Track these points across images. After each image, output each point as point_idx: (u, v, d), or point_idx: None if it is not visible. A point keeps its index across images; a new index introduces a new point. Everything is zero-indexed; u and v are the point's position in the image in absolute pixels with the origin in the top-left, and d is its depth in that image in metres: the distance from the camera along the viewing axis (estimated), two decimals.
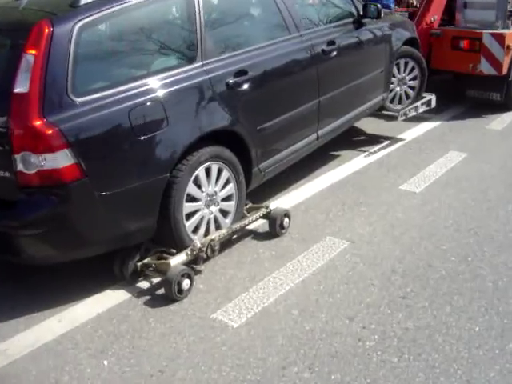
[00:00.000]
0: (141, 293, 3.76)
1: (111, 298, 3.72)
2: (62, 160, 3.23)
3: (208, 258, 3.95)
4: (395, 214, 4.67)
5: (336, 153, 6.00)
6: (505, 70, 6.91)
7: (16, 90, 3.23)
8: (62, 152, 3.22)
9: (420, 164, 5.69)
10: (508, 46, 6.78)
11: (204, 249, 3.83)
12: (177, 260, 3.74)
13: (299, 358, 3.11)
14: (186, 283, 3.63)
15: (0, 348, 3.28)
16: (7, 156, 3.26)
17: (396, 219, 4.59)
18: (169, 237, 3.83)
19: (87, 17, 3.43)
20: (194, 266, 3.85)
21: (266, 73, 4.29)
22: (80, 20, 3.39)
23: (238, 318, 3.45)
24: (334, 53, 4.93)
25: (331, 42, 4.91)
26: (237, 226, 4.13)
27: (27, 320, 3.52)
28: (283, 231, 4.36)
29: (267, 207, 4.37)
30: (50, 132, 3.19)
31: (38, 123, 3.19)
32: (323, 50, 4.80)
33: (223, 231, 4.02)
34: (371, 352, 3.14)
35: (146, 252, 3.88)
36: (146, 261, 3.79)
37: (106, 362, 3.15)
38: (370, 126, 6.73)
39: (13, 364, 3.16)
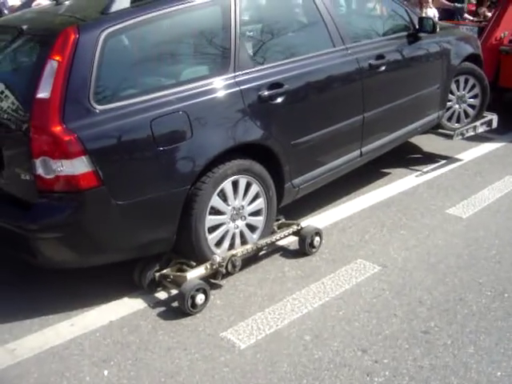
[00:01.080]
0: (157, 303, 3.73)
1: (126, 307, 3.70)
2: (79, 167, 3.23)
3: (229, 273, 3.85)
4: (435, 240, 4.44)
5: (386, 170, 5.78)
6: None
7: (38, 96, 3.26)
8: (80, 159, 3.22)
9: (473, 187, 5.40)
10: None
11: (224, 264, 3.74)
12: (195, 273, 3.68)
13: None
14: (200, 298, 3.56)
15: (9, 347, 3.33)
16: (29, 159, 3.28)
17: (435, 245, 4.36)
18: (189, 249, 3.78)
19: (115, 24, 3.42)
20: (213, 281, 3.77)
21: (303, 86, 4.16)
22: (107, 28, 3.38)
23: (247, 339, 3.35)
24: (383, 67, 4.74)
25: (380, 56, 4.72)
26: (263, 242, 4.03)
27: (42, 321, 3.55)
28: (313, 250, 4.22)
29: (298, 224, 4.25)
30: (68, 138, 3.20)
31: (57, 129, 3.20)
32: (370, 65, 4.62)
33: (248, 247, 3.93)
34: None
35: (167, 262, 3.84)
36: (164, 271, 3.76)
37: (106, 372, 3.13)
38: (427, 143, 6.47)
39: (17, 364, 3.19)
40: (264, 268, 4.10)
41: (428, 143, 6.47)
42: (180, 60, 3.75)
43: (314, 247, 4.22)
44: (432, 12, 8.26)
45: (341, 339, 3.34)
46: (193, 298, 3.54)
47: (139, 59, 3.60)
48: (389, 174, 5.75)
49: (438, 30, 5.15)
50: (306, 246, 4.17)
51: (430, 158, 6.18)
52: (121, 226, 3.47)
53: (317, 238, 4.22)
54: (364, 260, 4.16)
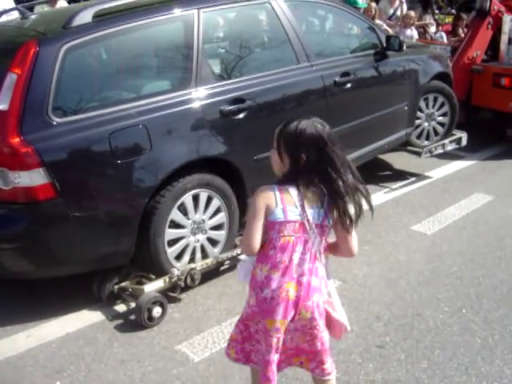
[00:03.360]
0: (115, 316, 3.73)
1: (84, 319, 3.70)
2: (36, 178, 3.24)
3: (189, 287, 3.86)
4: (398, 256, 4.47)
5: None
6: None
7: None
8: (37, 171, 3.24)
9: (440, 204, 5.44)
10: None
11: (182, 277, 3.75)
12: (152, 286, 3.69)
13: None
14: (156, 311, 3.57)
15: None
16: None
17: (397, 262, 4.39)
18: (148, 262, 3.79)
19: (76, 39, 3.46)
20: (171, 294, 3.78)
21: (265, 102, 4.20)
22: (67, 42, 3.42)
23: (202, 352, 3.35)
24: (349, 84, 4.79)
25: (346, 74, 4.77)
26: (224, 256, 4.04)
27: None
28: None
29: None
30: (26, 150, 3.21)
31: (14, 140, 3.22)
32: (335, 82, 4.67)
33: (208, 261, 3.95)
34: None
35: (126, 275, 3.84)
36: (123, 284, 3.76)
37: (58, 383, 3.11)
38: (398, 161, 6.52)
39: None
40: (225, 282, 4.10)
41: (399, 160, 6.53)
42: (141, 75, 3.78)
43: None
44: (412, 33, 8.36)
45: None
46: (149, 310, 3.54)
47: (99, 73, 3.63)
48: None
49: (404, 48, 5.20)
50: None
51: (399, 175, 6.23)
52: (78, 238, 3.48)
53: None
54: None
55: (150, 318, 3.56)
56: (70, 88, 3.44)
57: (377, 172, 6.28)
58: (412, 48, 5.99)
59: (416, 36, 8.75)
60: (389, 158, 6.50)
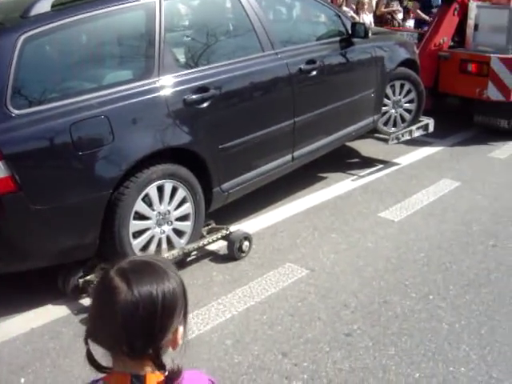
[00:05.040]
0: (80, 310, 3.67)
1: (50, 313, 3.64)
2: None
3: None
4: (366, 244, 4.47)
5: (323, 174, 5.82)
6: None
7: None
8: None
9: (408, 191, 5.46)
10: None
11: None
12: None
13: None
14: None
15: None
16: None
17: (365, 249, 4.39)
18: (113, 254, 3.71)
19: (34, 28, 3.37)
20: None
21: (230, 91, 4.17)
22: (26, 32, 3.33)
23: None
24: (314, 72, 4.76)
25: (311, 61, 4.74)
26: (190, 247, 4.00)
27: None
28: (242, 255, 4.21)
29: (227, 229, 4.23)
30: None
31: None
32: (301, 69, 4.64)
33: (174, 251, 3.91)
34: None
35: (92, 268, 3.78)
36: (88, 277, 3.70)
37: (22, 380, 3.08)
38: (366, 148, 6.53)
39: None
40: (192, 273, 4.07)
41: (367, 148, 6.54)
42: (103, 64, 3.72)
43: (242, 252, 4.21)
44: (368, 19, 8.35)
45: (262, 343, 3.33)
46: None
47: (60, 63, 3.56)
48: (326, 178, 5.78)
49: (370, 35, 5.19)
50: (234, 251, 4.16)
51: (367, 163, 6.24)
52: (40, 231, 3.43)
53: (246, 243, 4.21)
54: (293, 264, 4.16)
55: None
56: (29, 79, 3.36)
57: (345, 159, 6.29)
58: (378, 35, 5.98)
59: (373, 21, 8.68)
60: (357, 145, 6.51)
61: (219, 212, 4.51)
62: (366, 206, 5.16)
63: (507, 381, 3.03)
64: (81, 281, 3.69)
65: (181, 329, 1.30)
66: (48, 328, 3.50)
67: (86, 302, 3.74)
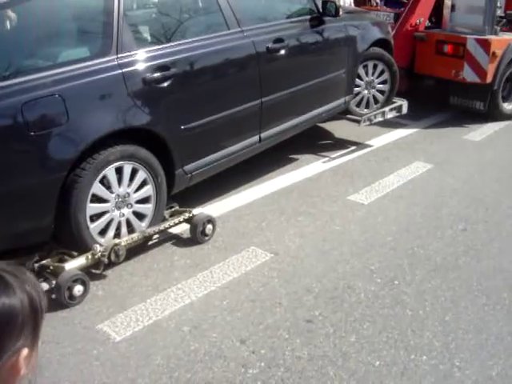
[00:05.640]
0: None
1: None
2: None
3: (113, 263, 3.71)
4: (333, 227, 4.39)
5: (294, 156, 5.72)
6: (489, 78, 6.54)
7: None
8: None
9: (378, 174, 5.38)
10: (494, 53, 6.41)
11: (106, 253, 3.60)
12: (74, 264, 3.53)
13: (170, 382, 2.87)
14: (77, 289, 3.42)
15: None
16: None
17: (331, 232, 4.30)
18: (70, 238, 3.62)
19: None
20: (94, 271, 3.62)
21: (192, 70, 4.04)
22: None
23: (124, 331, 3.22)
24: (282, 51, 4.64)
25: (279, 40, 4.61)
26: (151, 230, 3.89)
27: None
28: (206, 238, 4.11)
29: (190, 212, 4.13)
30: None
31: None
32: (268, 48, 4.51)
33: (134, 235, 3.80)
34: (250, 382, 2.88)
35: (48, 252, 3.67)
36: (44, 262, 3.59)
37: None
38: (339, 129, 6.43)
39: None
40: (153, 257, 3.97)
41: (340, 129, 6.44)
42: (58, 41, 3.57)
43: (206, 235, 4.11)
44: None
45: (220, 330, 3.24)
46: (70, 289, 3.39)
47: (11, 39, 3.40)
48: (296, 159, 5.68)
49: (341, 13, 5.06)
50: (197, 234, 4.06)
51: (340, 144, 6.14)
52: None
53: (209, 226, 4.11)
54: (257, 248, 4.07)
55: (71, 297, 3.41)
56: None
57: (317, 141, 6.19)
58: (351, 14, 5.86)
59: (350, 3, 8.52)
60: (330, 126, 6.41)
61: (184, 194, 4.40)
62: (335, 188, 5.08)
63: (469, 369, 2.97)
64: (36, 265, 3.56)
65: (24, 352, 1.07)
66: None
67: (44, 286, 3.62)
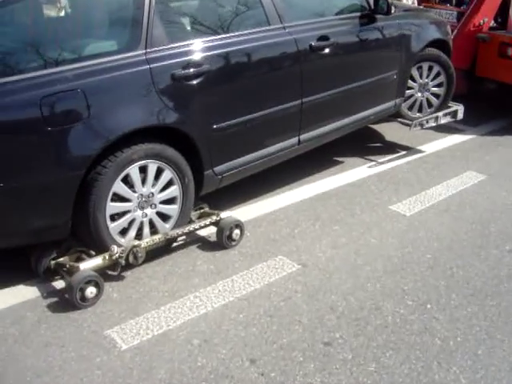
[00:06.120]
0: (50, 293, 3.49)
1: (19, 295, 3.47)
2: None
3: (131, 265, 3.59)
4: (369, 239, 4.14)
5: (339, 159, 5.47)
6: None
7: None
8: None
9: (426, 182, 5.08)
10: None
11: (124, 255, 3.47)
12: (89, 264, 3.43)
13: None
14: (90, 291, 3.31)
15: None
16: None
17: (366, 245, 4.06)
18: (88, 237, 3.51)
19: None
20: (110, 273, 3.51)
21: (228, 67, 3.84)
22: None
23: (131, 339, 3.10)
24: (327, 50, 4.39)
25: (324, 38, 4.37)
26: (174, 232, 3.75)
27: None
28: (233, 243, 3.95)
29: (218, 215, 3.96)
30: None
31: None
32: (311, 46, 4.27)
33: (155, 237, 3.67)
34: None
35: (67, 250, 3.58)
36: (61, 260, 3.50)
37: None
38: (391, 132, 6.13)
39: None
40: (175, 260, 3.83)
41: (392, 132, 6.14)
42: (84, 34, 3.42)
43: (233, 240, 3.94)
44: None
45: (231, 346, 3.07)
46: (82, 290, 3.29)
47: (34, 30, 3.28)
48: (341, 162, 5.43)
49: (393, 11, 4.77)
50: (223, 239, 3.90)
51: (389, 148, 5.85)
52: (5, 209, 3.21)
53: (236, 231, 3.93)
54: (285, 257, 3.88)
55: (83, 299, 3.32)
56: None
57: (366, 143, 5.92)
58: (408, 12, 5.54)
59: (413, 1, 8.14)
60: (381, 128, 6.12)
61: (217, 195, 4.25)
62: (377, 196, 4.81)
63: None
64: (53, 262, 3.48)
65: None
66: (13, 311, 3.33)
67: (59, 284, 3.55)
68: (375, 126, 6.09)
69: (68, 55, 3.33)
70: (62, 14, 3.68)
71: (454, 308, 3.44)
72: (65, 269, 3.48)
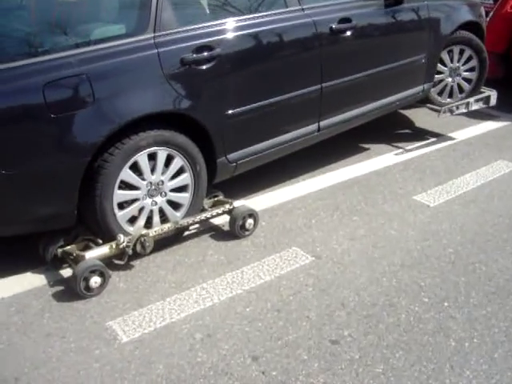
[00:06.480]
0: (57, 281, 3.45)
1: (25, 283, 3.44)
2: None
3: (140, 254, 3.52)
4: (389, 231, 3.98)
5: (365, 145, 5.30)
6: None
7: None
8: None
9: (454, 171, 4.87)
10: None
11: (131, 244, 3.40)
12: (96, 253, 3.37)
13: None
14: (94, 281, 3.25)
15: None
16: None
17: (385, 237, 3.90)
18: (95, 225, 3.45)
19: None
20: (117, 262, 3.45)
21: (241, 51, 3.71)
22: None
23: (133, 331, 3.03)
24: (348, 33, 4.21)
25: (345, 20, 4.19)
26: (184, 221, 3.66)
27: None
28: (246, 233, 3.84)
29: (231, 203, 3.86)
30: None
31: None
32: (331, 29, 4.10)
33: (165, 226, 3.59)
34: None
35: (75, 238, 3.53)
36: (68, 248, 3.45)
37: None
38: (422, 118, 5.90)
39: None
40: (186, 249, 3.75)
41: (422, 118, 5.92)
42: (90, 17, 3.36)
43: (246, 230, 3.83)
44: None
45: (234, 341, 2.98)
46: (86, 280, 3.23)
47: (38, 15, 3.21)
48: (366, 149, 5.26)
49: None
50: (236, 228, 3.80)
51: (418, 135, 5.64)
52: (9, 197, 3.16)
53: (249, 220, 3.82)
54: (299, 248, 3.75)
55: (88, 288, 3.26)
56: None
57: (394, 130, 5.71)
58: None
59: None
60: (412, 114, 5.90)
61: (235, 183, 4.17)
62: (402, 185, 4.63)
63: None
64: (59, 251, 3.44)
65: None
66: (18, 299, 3.30)
67: (66, 272, 3.51)
68: (405, 112, 5.88)
69: (74, 40, 3.26)
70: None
71: (472, 307, 3.27)
72: (71, 257, 3.43)
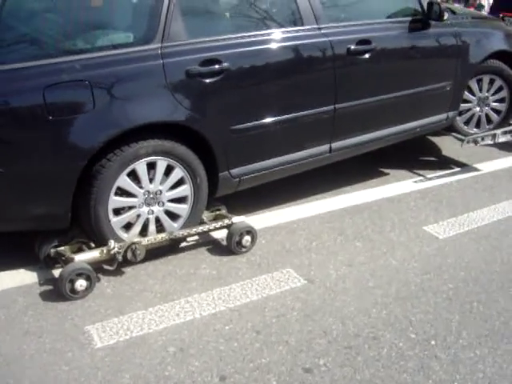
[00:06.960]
0: (48, 281, 3.51)
1: (16, 279, 3.52)
2: None
3: (129, 262, 3.54)
4: (389, 260, 3.89)
5: (386, 170, 5.20)
6: None
7: None
8: None
9: (472, 204, 4.72)
10: None
11: (121, 251, 3.42)
12: (86, 256, 3.41)
13: None
14: (80, 284, 3.29)
15: None
16: None
17: (385, 266, 3.81)
18: (89, 229, 3.49)
19: None
20: (106, 267, 3.48)
21: (251, 66, 3.71)
22: None
23: (109, 338, 3.05)
24: (367, 55, 4.14)
25: (365, 41, 4.12)
26: (179, 233, 3.66)
27: None
28: (243, 250, 3.82)
29: (229, 219, 3.84)
30: None
31: None
32: (349, 50, 4.04)
33: (158, 236, 3.60)
34: None
35: (70, 239, 3.58)
36: (61, 248, 3.50)
37: None
38: (450, 146, 5.75)
39: None
40: (180, 261, 3.75)
41: (450, 147, 5.76)
42: (98, 23, 3.39)
43: (243, 247, 3.81)
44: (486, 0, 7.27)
45: (206, 359, 2.95)
46: (72, 282, 3.26)
47: (43, 20, 3.28)
48: (386, 174, 5.16)
49: (445, 17, 4.44)
50: (232, 244, 3.78)
51: (443, 164, 5.50)
52: (5, 194, 3.23)
53: (247, 237, 3.80)
54: (293, 270, 3.71)
55: (73, 291, 3.28)
56: (7, 33, 3.13)
57: (419, 156, 5.58)
58: (472, 19, 5.16)
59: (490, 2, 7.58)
60: (440, 141, 5.75)
61: (243, 198, 4.18)
62: (414, 214, 4.52)
63: None
64: (53, 251, 3.48)
65: None
66: (6, 294, 3.37)
67: (58, 272, 3.54)
68: (433, 139, 5.74)
69: (80, 45, 3.31)
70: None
71: (460, 348, 3.14)
72: (63, 258, 3.47)
